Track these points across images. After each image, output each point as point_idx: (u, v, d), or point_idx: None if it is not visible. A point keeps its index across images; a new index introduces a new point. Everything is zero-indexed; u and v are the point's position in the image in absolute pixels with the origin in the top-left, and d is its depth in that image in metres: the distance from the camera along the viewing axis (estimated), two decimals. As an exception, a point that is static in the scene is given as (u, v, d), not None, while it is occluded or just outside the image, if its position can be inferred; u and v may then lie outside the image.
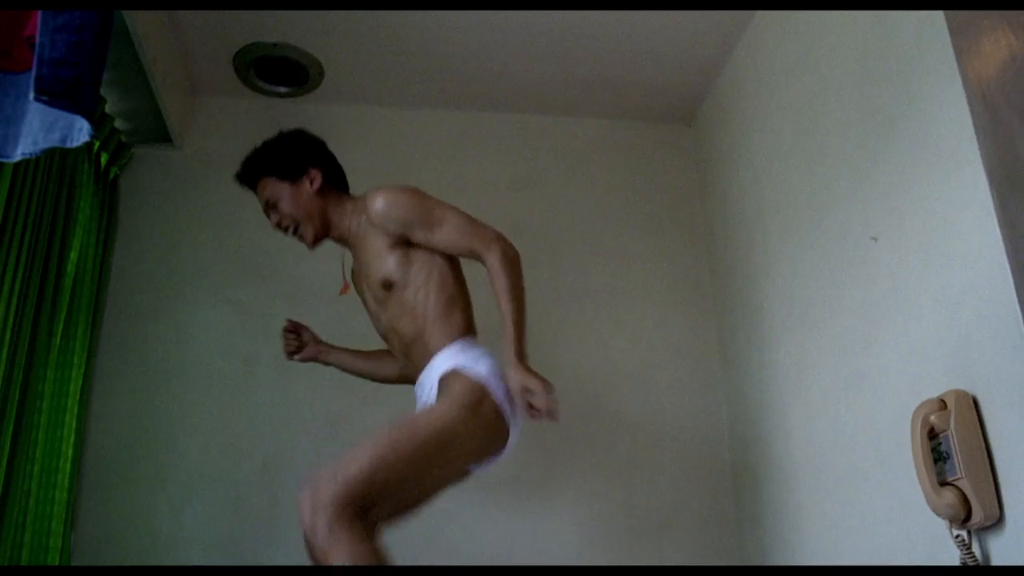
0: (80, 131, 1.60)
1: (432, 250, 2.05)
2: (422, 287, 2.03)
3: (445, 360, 1.97)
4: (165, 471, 2.52)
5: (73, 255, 2.41)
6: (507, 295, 1.94)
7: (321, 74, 2.85)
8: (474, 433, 1.85)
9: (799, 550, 2.25)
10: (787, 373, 2.34)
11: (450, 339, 2.01)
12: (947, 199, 1.66)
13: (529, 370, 1.85)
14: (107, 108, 2.55)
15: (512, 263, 1.97)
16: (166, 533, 2.46)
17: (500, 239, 1.99)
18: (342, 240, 2.21)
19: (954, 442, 1.49)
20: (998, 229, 1.51)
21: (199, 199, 2.82)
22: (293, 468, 2.56)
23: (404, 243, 2.04)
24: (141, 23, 2.34)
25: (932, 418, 1.54)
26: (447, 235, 2.01)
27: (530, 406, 1.83)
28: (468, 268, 2.15)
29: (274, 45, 2.71)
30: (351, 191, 2.27)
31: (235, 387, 2.63)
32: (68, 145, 1.61)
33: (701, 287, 2.94)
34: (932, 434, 1.54)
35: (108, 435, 2.52)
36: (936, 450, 1.53)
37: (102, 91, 2.47)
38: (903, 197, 1.81)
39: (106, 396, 2.55)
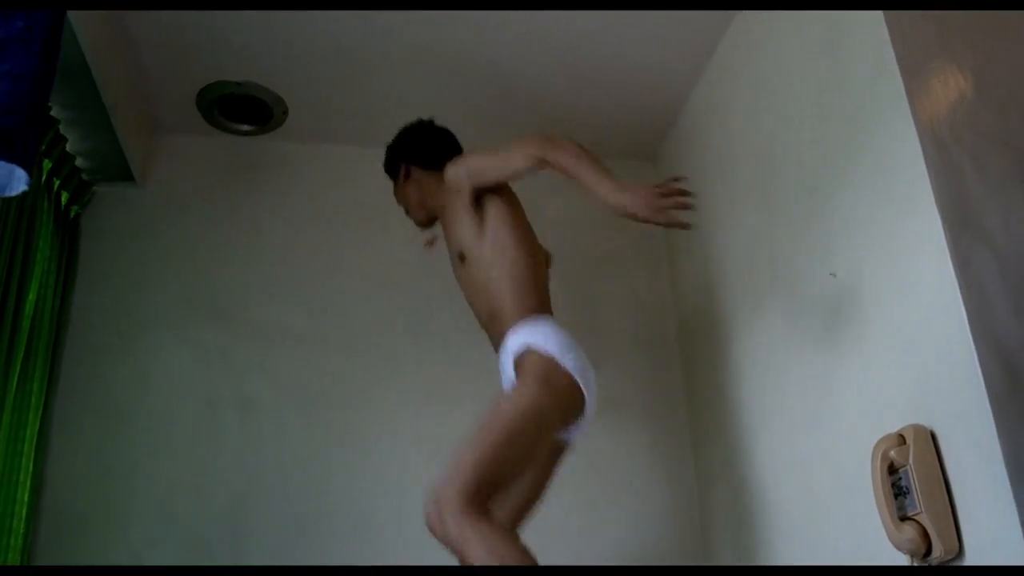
0: (18, 180, 1.59)
1: (502, 214, 2.16)
2: (495, 265, 2.13)
3: (517, 340, 2.05)
4: (126, 516, 2.47)
5: (31, 295, 2.37)
6: (581, 166, 2.03)
7: (285, 112, 2.85)
8: (554, 404, 1.93)
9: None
10: (751, 411, 2.35)
11: (521, 317, 2.08)
12: (903, 237, 1.69)
13: (626, 185, 1.95)
14: (68, 147, 2.53)
15: (574, 149, 2.06)
16: (126, 578, 2.41)
17: (553, 140, 2.09)
18: (440, 216, 2.35)
19: (913, 477, 1.51)
20: (951, 268, 1.54)
21: (162, 238, 2.80)
22: (257, 511, 2.53)
23: (478, 206, 2.16)
24: (102, 62, 2.33)
25: (891, 453, 1.55)
26: (517, 153, 2.11)
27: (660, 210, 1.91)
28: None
29: (238, 84, 2.71)
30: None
31: (197, 429, 2.59)
32: (5, 194, 1.60)
33: (664, 326, 2.96)
34: (892, 469, 1.56)
35: (67, 479, 2.46)
36: (896, 485, 1.55)
37: (63, 129, 2.46)
38: (860, 235, 1.84)
39: (65, 439, 2.49)
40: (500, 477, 1.82)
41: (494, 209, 2.17)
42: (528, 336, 2.03)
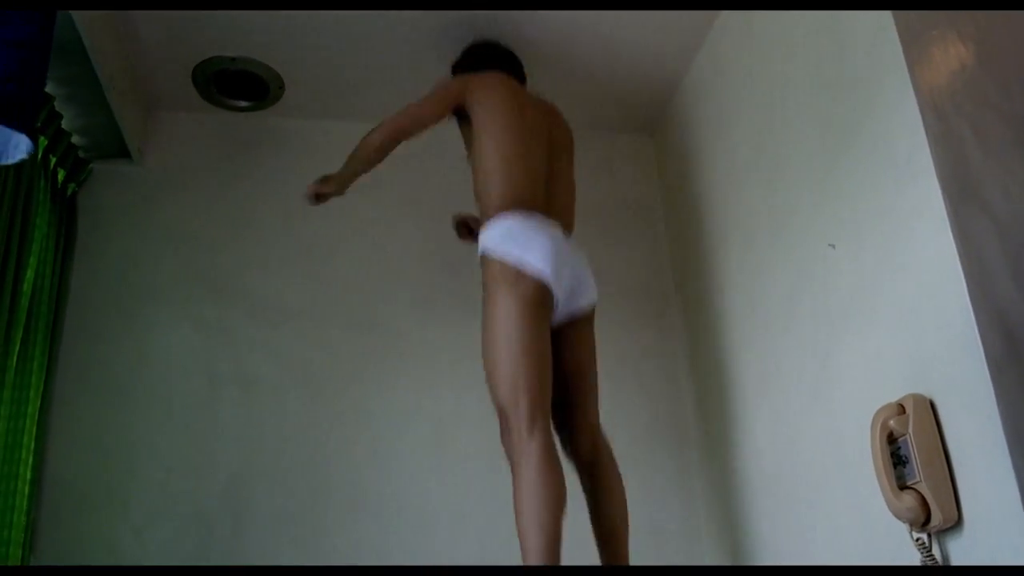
0: (18, 147, 1.58)
1: (477, 123, 2.22)
2: (473, 165, 2.23)
3: (481, 242, 2.08)
4: (127, 493, 2.48)
5: (29, 273, 2.36)
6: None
7: (282, 88, 2.83)
8: (513, 308, 1.97)
9: (764, 558, 2.26)
10: (751, 381, 2.36)
11: (486, 217, 2.11)
12: (903, 207, 1.69)
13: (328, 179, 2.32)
14: (64, 124, 2.52)
15: (385, 125, 2.29)
16: (128, 556, 2.42)
17: (402, 113, 2.29)
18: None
19: (912, 446, 1.52)
20: (951, 238, 1.54)
21: (159, 215, 2.79)
22: (257, 487, 2.54)
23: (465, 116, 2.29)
24: (97, 37, 2.31)
25: (891, 423, 1.56)
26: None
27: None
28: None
29: (233, 59, 2.69)
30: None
31: (197, 406, 2.60)
32: (5, 162, 1.59)
33: (665, 297, 2.96)
34: (891, 438, 1.56)
35: (67, 457, 2.47)
36: (895, 454, 1.56)
37: (59, 106, 2.45)
38: (860, 205, 1.83)
39: (65, 417, 2.50)
40: (521, 396, 1.91)
41: (470, 118, 2.28)
42: (484, 239, 2.07)
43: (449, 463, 2.65)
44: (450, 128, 2.45)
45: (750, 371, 2.36)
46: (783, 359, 2.16)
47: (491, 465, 2.65)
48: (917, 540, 1.53)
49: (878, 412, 1.60)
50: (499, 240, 2.02)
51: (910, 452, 1.52)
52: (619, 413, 2.79)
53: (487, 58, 2.50)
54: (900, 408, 1.57)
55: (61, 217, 2.54)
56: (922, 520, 1.51)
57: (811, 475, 2.01)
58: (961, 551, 1.50)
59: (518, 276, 1.98)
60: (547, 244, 2.02)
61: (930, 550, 1.52)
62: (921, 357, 1.61)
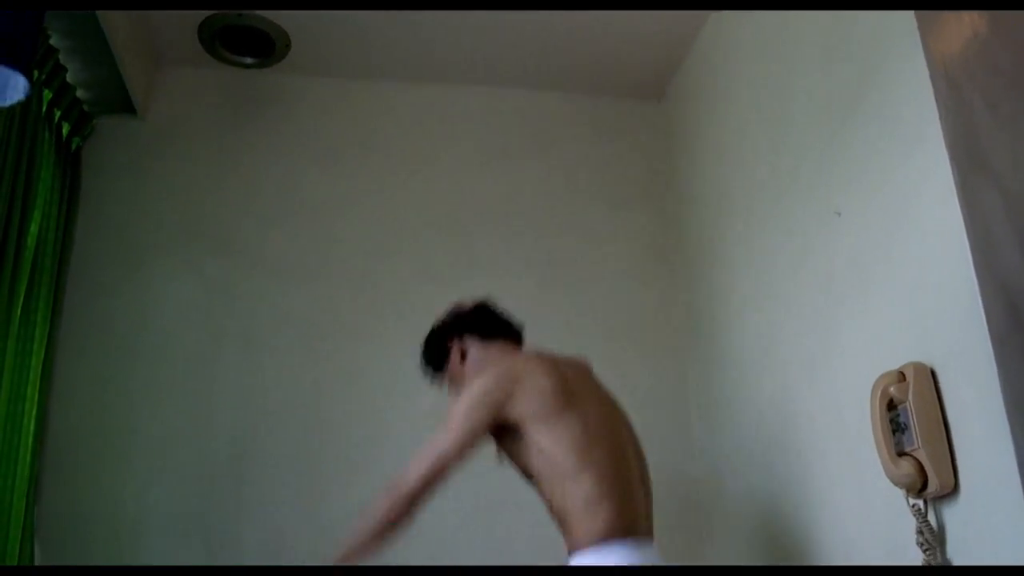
0: (15, 88, 1.56)
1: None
2: (549, 487, 1.77)
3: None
4: (130, 448, 2.50)
5: (33, 227, 2.36)
6: (365, 518, 1.73)
7: (288, 45, 2.81)
8: None
9: (765, 533, 2.29)
10: (754, 349, 2.36)
11: (585, 544, 1.70)
12: (909, 176, 1.68)
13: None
14: (69, 77, 2.50)
15: (390, 507, 1.72)
16: (132, 510, 2.44)
17: (399, 486, 1.72)
18: None
19: (912, 413, 1.53)
20: (958, 206, 1.54)
21: (163, 170, 2.78)
22: (260, 444, 2.56)
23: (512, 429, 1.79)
24: (103, -10, 2.30)
25: (891, 390, 1.57)
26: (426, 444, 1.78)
27: None
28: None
29: (239, 15, 2.67)
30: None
31: (201, 362, 2.61)
32: (2, 104, 1.57)
33: (669, 264, 2.96)
34: (891, 405, 1.57)
35: (71, 411, 2.49)
36: (895, 421, 1.57)
37: (63, 59, 2.44)
38: (866, 173, 1.83)
39: (69, 372, 2.51)
40: None
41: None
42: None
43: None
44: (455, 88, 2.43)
45: (752, 337, 2.37)
46: (785, 325, 2.17)
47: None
48: (913, 506, 1.54)
49: (879, 379, 1.60)
50: None
51: (909, 419, 1.53)
52: (621, 384, 2.80)
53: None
54: (900, 376, 1.58)
55: (65, 171, 2.54)
56: (919, 486, 1.52)
57: (811, 443, 2.03)
58: (956, 518, 1.51)
59: None
60: None
61: (925, 516, 1.54)
62: (923, 326, 1.61)
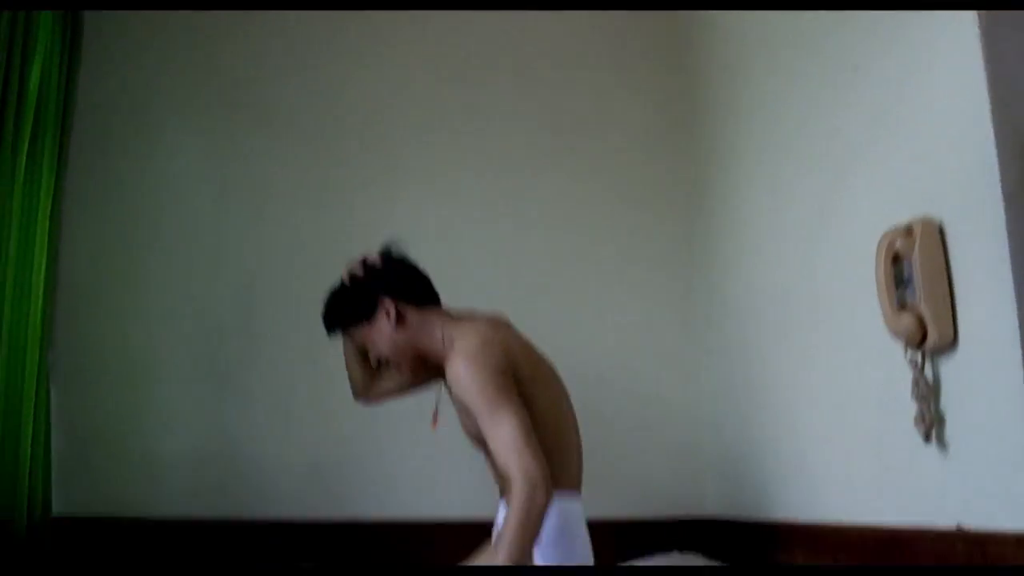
0: None
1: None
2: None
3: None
4: (139, 293, 2.53)
5: (34, 77, 2.30)
6: (510, 530, 1.66)
7: None
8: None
9: (763, 382, 2.32)
10: (763, 204, 2.35)
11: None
12: (931, 28, 1.63)
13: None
14: (64, -84, 2.40)
15: (530, 504, 1.65)
16: (141, 353, 2.49)
17: (533, 478, 1.66)
18: (440, 366, 1.94)
19: (916, 267, 1.52)
20: (980, 60, 1.50)
21: (168, 21, 2.70)
22: (269, 295, 2.58)
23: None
24: None
25: (897, 244, 1.56)
26: (494, 440, 1.74)
27: None
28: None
29: None
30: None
31: (208, 212, 2.61)
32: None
33: (681, 125, 2.90)
34: (896, 260, 1.57)
35: (80, 259, 2.50)
36: (899, 276, 1.57)
37: None
38: (888, 27, 1.77)
39: (76, 221, 2.51)
40: None
41: None
42: None
43: (454, 275, 2.68)
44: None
45: (762, 193, 2.35)
46: (795, 181, 2.15)
47: (494, 272, 2.70)
48: (911, 359, 1.56)
49: (885, 233, 1.60)
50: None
51: (913, 273, 1.53)
52: (626, 245, 2.81)
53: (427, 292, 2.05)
54: (908, 230, 1.57)
55: (66, 21, 2.46)
56: (918, 339, 1.53)
57: (815, 298, 2.04)
58: (953, 371, 1.53)
59: None
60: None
61: (922, 369, 1.56)
62: (934, 181, 1.59)
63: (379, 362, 2.07)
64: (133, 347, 2.50)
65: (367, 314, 1.97)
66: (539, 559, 1.75)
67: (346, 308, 2.01)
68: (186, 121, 2.66)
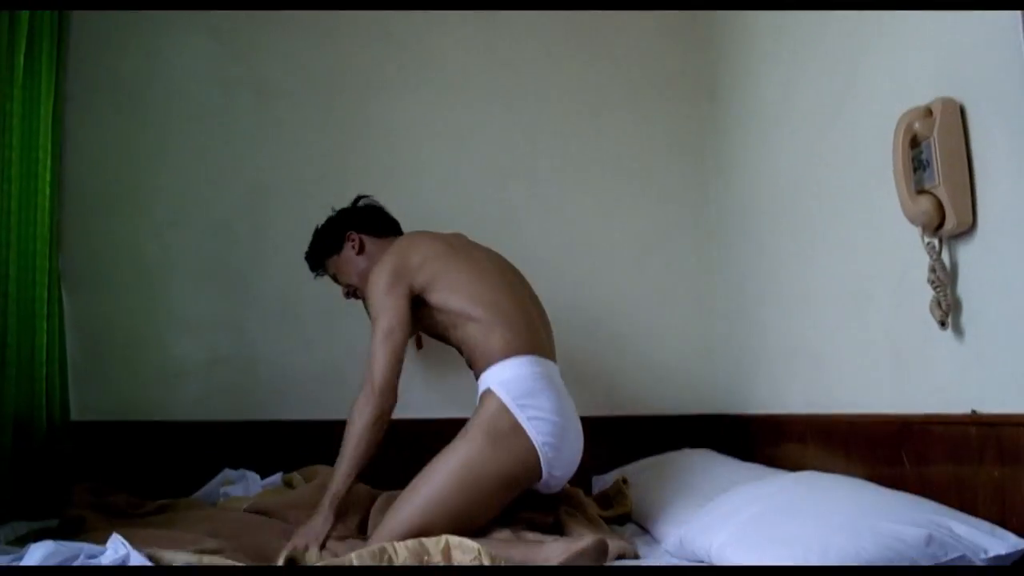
0: None
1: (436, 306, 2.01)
2: (459, 334, 2.01)
3: (484, 381, 1.94)
4: (147, 196, 2.51)
5: (29, -28, 2.26)
6: (350, 440, 1.87)
7: None
8: (494, 469, 1.81)
9: (777, 275, 2.30)
10: (773, 99, 2.29)
11: (488, 363, 1.93)
12: None
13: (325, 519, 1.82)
14: None
15: (374, 417, 1.86)
16: (152, 257, 2.49)
17: (383, 389, 1.87)
18: None
19: (935, 150, 1.48)
20: (1007, -69, 1.42)
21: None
22: (277, 195, 2.56)
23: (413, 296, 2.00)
24: None
25: (916, 126, 1.51)
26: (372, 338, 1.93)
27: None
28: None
29: None
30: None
31: (215, 114, 2.57)
32: None
33: (695, 21, 2.82)
34: (915, 143, 1.52)
35: (85, 161, 2.48)
36: (917, 159, 1.52)
37: None
38: None
39: (80, 124, 2.49)
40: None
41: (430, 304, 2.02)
42: (494, 375, 1.90)
43: (465, 174, 2.66)
44: None
45: (773, 88, 2.29)
46: (808, 73, 2.08)
47: (505, 178, 2.67)
48: (928, 244, 1.53)
49: (904, 115, 1.54)
50: (518, 392, 1.87)
51: (932, 156, 1.48)
52: (638, 138, 2.76)
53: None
54: (928, 112, 1.52)
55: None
56: (935, 224, 1.50)
57: (829, 189, 2.00)
58: (970, 257, 1.50)
59: (523, 455, 1.83)
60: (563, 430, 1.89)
61: (940, 254, 1.53)
62: (955, 59, 1.53)
63: (350, 294, 2.25)
64: (144, 251, 2.49)
65: (336, 247, 2.21)
66: (516, 411, 1.84)
67: (319, 244, 2.25)
68: (190, 19, 2.60)
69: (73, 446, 2.28)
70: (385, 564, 1.48)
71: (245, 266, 2.52)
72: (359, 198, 2.29)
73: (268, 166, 2.57)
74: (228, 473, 2.26)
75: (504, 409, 1.84)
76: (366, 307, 2.09)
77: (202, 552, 1.55)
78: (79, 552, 1.44)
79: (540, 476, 1.86)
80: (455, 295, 1.98)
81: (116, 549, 1.48)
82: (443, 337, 2.08)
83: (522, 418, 1.83)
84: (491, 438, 1.81)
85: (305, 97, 2.61)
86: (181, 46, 2.58)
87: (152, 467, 2.34)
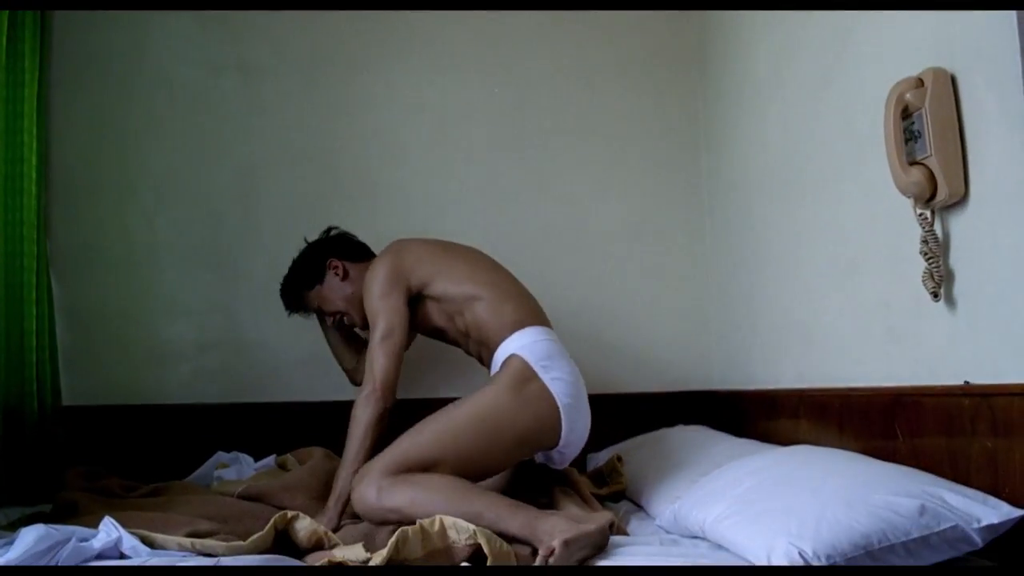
0: None
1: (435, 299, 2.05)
2: (460, 323, 2.05)
3: (503, 351, 1.96)
4: (134, 179, 2.49)
5: (10, -50, 2.23)
6: (354, 439, 1.88)
7: None
8: (515, 418, 1.82)
9: (769, 249, 2.30)
10: (766, 73, 2.28)
11: (502, 338, 1.97)
12: None
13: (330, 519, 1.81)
14: None
15: (377, 416, 1.88)
16: (141, 240, 2.48)
17: (384, 389, 1.90)
18: None
19: (927, 120, 1.47)
20: (998, -102, 1.41)
21: None
22: (266, 175, 2.55)
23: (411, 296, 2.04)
24: None
25: (908, 96, 1.50)
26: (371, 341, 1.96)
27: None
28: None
29: None
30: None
31: (200, 95, 2.55)
32: None
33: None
34: (906, 113, 1.51)
35: (72, 144, 2.46)
36: (908, 130, 1.51)
37: None
38: None
39: (65, 108, 2.47)
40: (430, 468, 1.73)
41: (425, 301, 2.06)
42: (514, 343, 1.93)
43: (454, 152, 2.64)
44: None
45: (765, 58, 2.28)
46: (801, 45, 2.07)
47: (494, 156, 2.66)
48: (920, 215, 1.52)
49: (895, 85, 1.53)
50: (541, 354, 1.90)
51: (924, 126, 1.47)
52: (629, 115, 2.74)
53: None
54: (919, 82, 1.51)
55: None
56: (927, 195, 1.49)
57: (821, 160, 1.99)
58: (963, 228, 1.49)
59: (546, 411, 1.85)
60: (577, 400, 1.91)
61: (932, 226, 1.52)
62: (946, 29, 1.52)
63: (337, 323, 2.25)
64: (132, 234, 2.48)
65: (319, 276, 2.21)
66: (540, 371, 1.87)
67: (299, 278, 2.24)
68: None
69: (65, 431, 2.27)
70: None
71: (235, 248, 2.51)
72: (330, 228, 2.29)
73: (256, 147, 2.55)
74: (221, 456, 2.26)
75: (529, 368, 1.86)
76: (354, 328, 2.23)
77: (195, 535, 1.55)
78: (71, 535, 1.43)
79: (557, 440, 1.88)
80: (456, 281, 2.02)
81: (108, 532, 1.47)
82: (444, 331, 2.10)
83: (546, 378, 1.85)
84: (516, 392, 1.84)
85: (291, 77, 2.59)
86: (166, 28, 2.56)
87: (145, 451, 2.34)
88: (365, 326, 2.15)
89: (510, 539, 1.53)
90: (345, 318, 2.22)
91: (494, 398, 1.83)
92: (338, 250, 2.23)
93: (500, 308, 1.98)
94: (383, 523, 1.67)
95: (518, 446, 1.85)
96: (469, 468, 1.74)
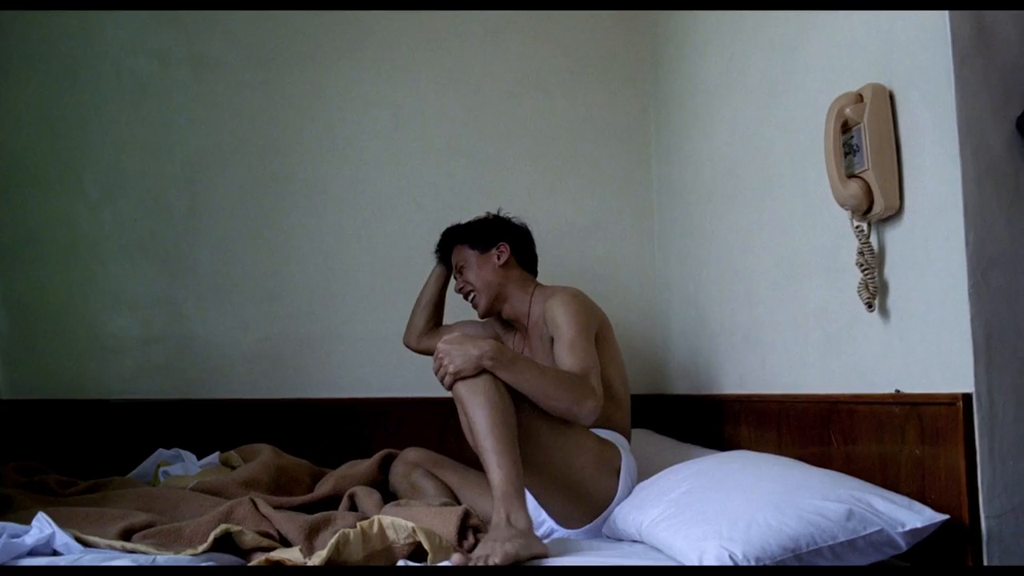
0: None
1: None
2: None
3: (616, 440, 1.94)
4: (80, 170, 2.46)
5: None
6: (557, 373, 1.80)
7: None
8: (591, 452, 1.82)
9: (717, 255, 2.33)
10: (714, 80, 2.31)
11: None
12: None
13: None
14: None
15: (589, 409, 1.77)
16: (86, 232, 2.45)
17: (594, 395, 1.78)
18: (515, 320, 2.18)
19: (865, 135, 1.50)
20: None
21: None
22: (214, 170, 2.53)
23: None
24: None
25: (847, 111, 1.54)
26: (572, 362, 1.85)
27: None
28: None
29: None
30: None
31: (148, 85, 2.53)
32: None
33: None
34: (846, 127, 1.55)
35: (16, 133, 2.43)
36: (847, 143, 1.55)
37: None
38: None
39: (9, 91, 2.43)
40: None
41: None
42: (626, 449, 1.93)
43: (407, 151, 2.64)
44: None
45: (713, 65, 2.31)
46: (749, 56, 2.10)
47: (446, 155, 2.66)
48: (857, 228, 1.56)
49: (836, 100, 1.57)
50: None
51: (862, 141, 1.51)
52: (584, 116, 2.76)
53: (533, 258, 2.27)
54: (859, 97, 1.54)
55: None
56: (864, 208, 1.53)
57: (764, 172, 2.03)
58: (897, 240, 1.53)
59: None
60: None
61: (868, 238, 1.56)
62: (888, 46, 1.56)
63: (465, 292, 2.19)
64: (77, 226, 2.45)
65: (486, 244, 2.17)
66: (625, 479, 1.83)
67: (472, 230, 2.21)
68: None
69: (3, 425, 2.23)
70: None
71: (181, 242, 2.49)
72: (522, 221, 2.26)
73: (205, 140, 2.53)
74: (162, 453, 2.23)
75: (620, 457, 1.86)
76: (474, 306, 2.17)
77: (131, 528, 1.53)
78: (2, 531, 1.41)
79: (600, 508, 1.82)
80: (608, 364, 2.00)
81: (41, 528, 1.46)
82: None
83: (623, 478, 1.83)
84: (602, 446, 1.84)
85: (242, 70, 2.57)
86: (116, 18, 2.53)
87: (85, 446, 2.31)
88: (485, 314, 2.17)
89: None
90: (472, 294, 2.17)
91: (584, 435, 1.82)
92: (515, 241, 2.20)
93: (625, 419, 2.02)
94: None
95: (575, 450, 1.81)
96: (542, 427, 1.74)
